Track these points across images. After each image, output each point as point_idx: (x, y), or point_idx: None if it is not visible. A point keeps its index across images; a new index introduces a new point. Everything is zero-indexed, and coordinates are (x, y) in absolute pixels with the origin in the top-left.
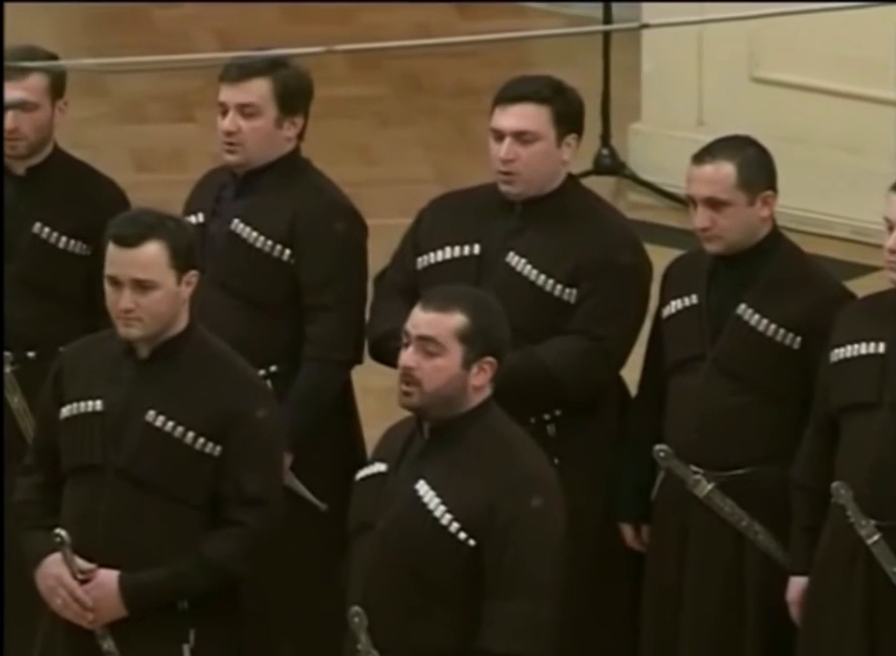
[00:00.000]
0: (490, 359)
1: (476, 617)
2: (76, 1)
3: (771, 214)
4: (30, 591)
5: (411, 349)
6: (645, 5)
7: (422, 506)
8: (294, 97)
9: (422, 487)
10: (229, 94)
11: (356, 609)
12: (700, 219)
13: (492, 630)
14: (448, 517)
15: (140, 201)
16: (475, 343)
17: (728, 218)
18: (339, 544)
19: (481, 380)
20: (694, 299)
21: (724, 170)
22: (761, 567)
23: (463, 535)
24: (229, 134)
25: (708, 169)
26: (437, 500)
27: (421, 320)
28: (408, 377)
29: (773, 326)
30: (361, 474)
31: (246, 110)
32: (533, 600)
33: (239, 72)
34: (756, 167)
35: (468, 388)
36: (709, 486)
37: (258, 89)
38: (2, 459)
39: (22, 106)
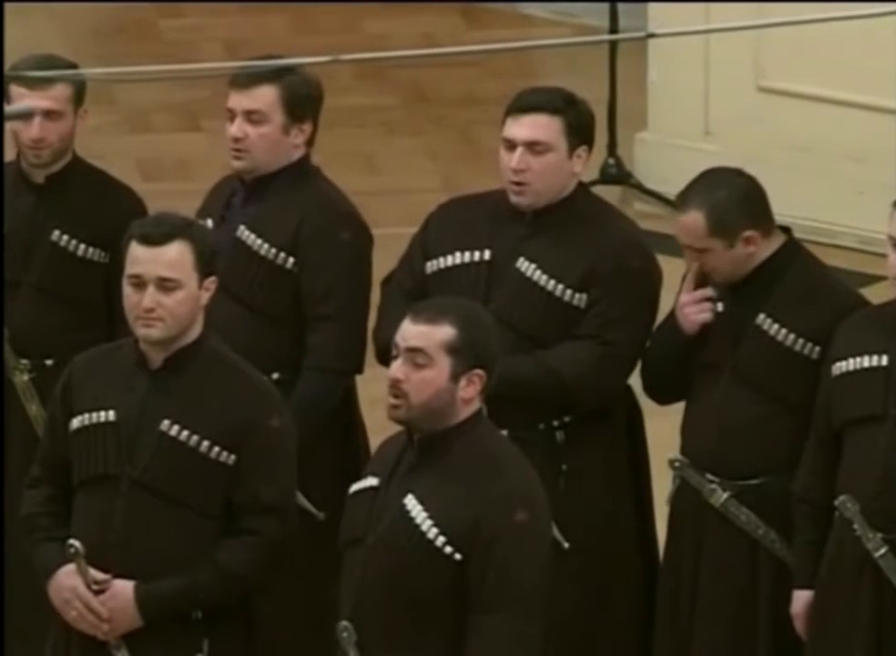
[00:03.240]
0: (479, 372)
1: (463, 631)
2: (79, 1)
3: (763, 248)
4: (39, 603)
5: (399, 361)
6: (651, 15)
7: (410, 520)
8: (302, 103)
9: (410, 502)
10: (236, 100)
11: (345, 623)
12: (689, 261)
13: (477, 644)
14: (434, 531)
15: (149, 211)
16: (464, 355)
17: (712, 260)
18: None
19: (469, 393)
20: (717, 307)
21: (694, 220)
22: (775, 577)
23: (449, 549)
24: (236, 140)
25: (682, 219)
26: (424, 514)
27: (410, 332)
28: (396, 390)
29: (792, 336)
30: (354, 488)
31: (253, 117)
32: (518, 614)
33: (248, 79)
34: (729, 210)
35: (456, 401)
36: (725, 496)
37: (265, 96)
38: (2, 461)
39: (30, 115)
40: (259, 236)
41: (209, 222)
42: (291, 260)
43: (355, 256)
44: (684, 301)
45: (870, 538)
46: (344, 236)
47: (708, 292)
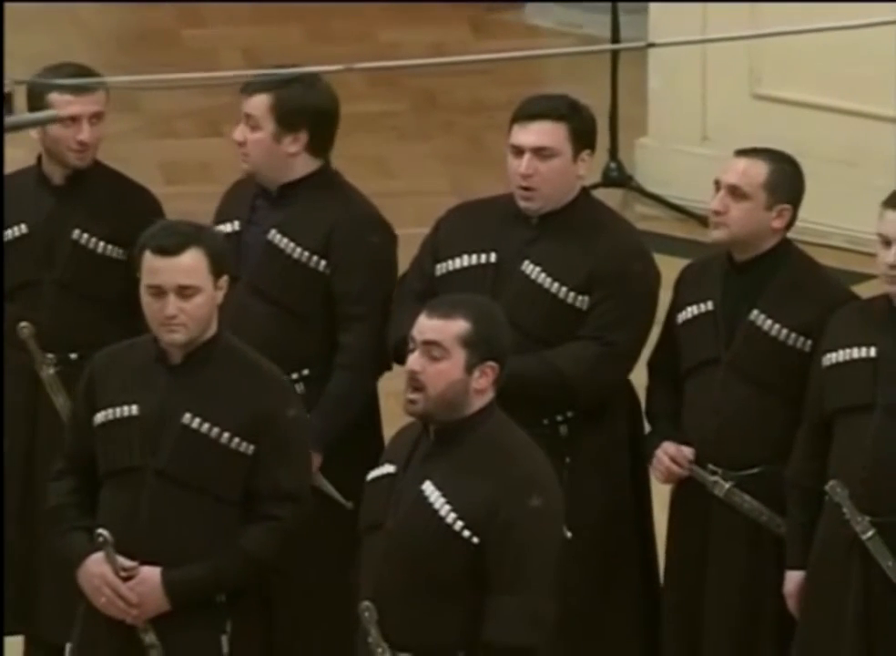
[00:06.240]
0: (492, 364)
1: (480, 611)
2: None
3: (783, 229)
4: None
5: (416, 354)
6: (651, 25)
7: (429, 505)
8: (293, 113)
9: (429, 488)
10: (243, 105)
11: (366, 603)
12: (717, 202)
13: (494, 624)
14: (453, 515)
15: (169, 212)
16: (478, 347)
17: (741, 211)
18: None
19: (483, 384)
20: (710, 305)
21: (758, 167)
22: (778, 559)
23: (466, 533)
24: (238, 144)
25: (744, 162)
26: (442, 500)
27: (426, 326)
28: (414, 382)
29: (784, 331)
30: (372, 475)
31: (249, 123)
32: (532, 595)
33: (250, 86)
34: (786, 179)
35: (470, 392)
36: (727, 486)
37: (258, 104)
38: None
39: (52, 122)
40: (291, 239)
41: (236, 225)
42: (323, 262)
43: (384, 258)
44: (667, 451)
45: (858, 521)
46: (373, 239)
47: (688, 455)
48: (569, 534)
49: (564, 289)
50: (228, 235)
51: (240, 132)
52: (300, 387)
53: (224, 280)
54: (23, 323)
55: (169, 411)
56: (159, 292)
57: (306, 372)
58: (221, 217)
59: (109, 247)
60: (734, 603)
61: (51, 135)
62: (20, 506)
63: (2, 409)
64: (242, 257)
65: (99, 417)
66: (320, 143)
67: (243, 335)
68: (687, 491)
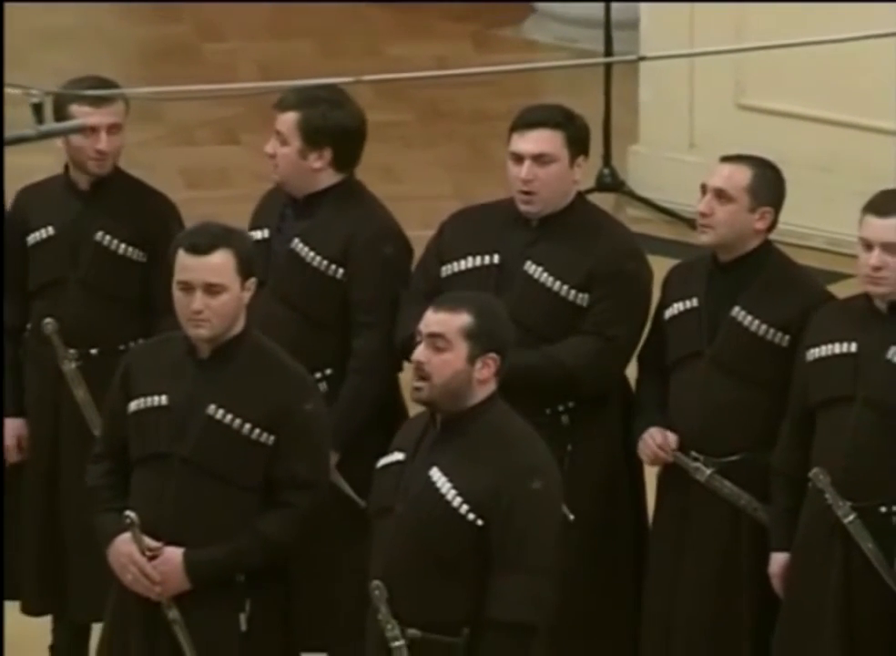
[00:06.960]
0: (493, 355)
1: (484, 590)
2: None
3: (765, 230)
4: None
5: (422, 346)
6: (642, 40)
7: (436, 490)
8: (318, 132)
9: (436, 474)
10: (276, 121)
11: (376, 583)
12: (704, 205)
13: (497, 602)
14: (458, 499)
15: (190, 216)
16: (480, 339)
17: (726, 213)
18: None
19: (485, 375)
20: (694, 302)
21: (742, 172)
22: (755, 539)
23: (471, 516)
24: (269, 156)
25: (729, 167)
26: (448, 485)
27: (431, 319)
28: (420, 371)
29: (764, 326)
30: (382, 462)
31: (279, 138)
32: (533, 574)
33: (282, 103)
34: (768, 183)
35: (473, 382)
36: (708, 472)
37: (286, 120)
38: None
39: (76, 131)
40: (311, 249)
41: (266, 232)
42: (341, 271)
43: (396, 269)
44: (654, 437)
45: (840, 506)
46: (388, 250)
47: (672, 443)
48: (571, 517)
49: (565, 287)
50: (258, 242)
51: (271, 145)
52: (323, 386)
53: (252, 282)
54: (47, 319)
55: (196, 402)
56: (188, 288)
57: (329, 371)
58: (254, 223)
59: (130, 249)
60: (711, 586)
61: (73, 144)
62: (45, 491)
63: (1, 403)
64: (270, 264)
65: (133, 406)
66: (345, 160)
67: (268, 338)
68: (670, 477)
